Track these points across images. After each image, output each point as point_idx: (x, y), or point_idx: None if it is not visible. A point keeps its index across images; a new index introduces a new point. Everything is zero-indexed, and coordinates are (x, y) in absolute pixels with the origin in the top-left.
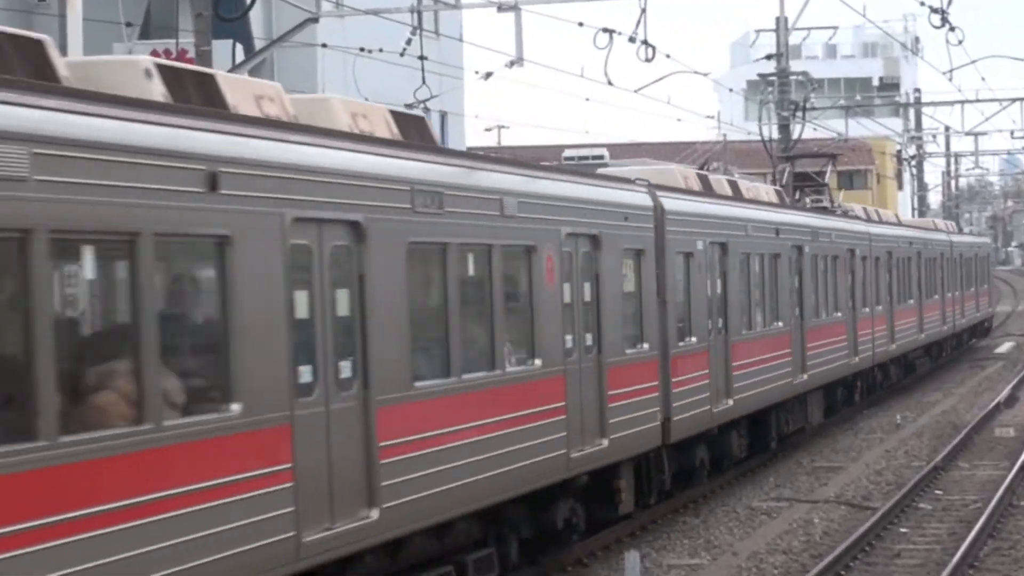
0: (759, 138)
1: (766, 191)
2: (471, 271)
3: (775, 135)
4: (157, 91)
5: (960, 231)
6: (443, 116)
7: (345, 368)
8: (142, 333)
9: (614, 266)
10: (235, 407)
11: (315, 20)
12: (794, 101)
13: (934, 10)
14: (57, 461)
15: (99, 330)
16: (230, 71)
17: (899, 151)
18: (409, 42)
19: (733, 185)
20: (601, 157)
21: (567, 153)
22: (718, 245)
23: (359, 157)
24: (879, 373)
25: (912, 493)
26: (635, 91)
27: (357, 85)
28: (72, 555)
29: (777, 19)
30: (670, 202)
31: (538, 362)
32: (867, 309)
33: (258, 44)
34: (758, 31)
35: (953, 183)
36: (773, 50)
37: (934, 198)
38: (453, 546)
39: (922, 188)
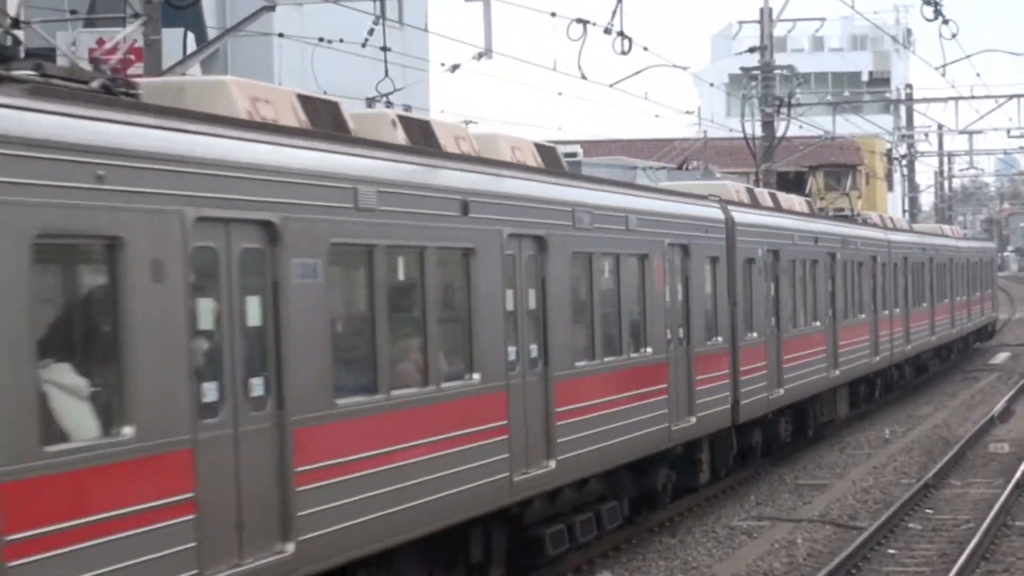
0: (741, 135)
1: (799, 202)
2: (608, 273)
3: (758, 132)
4: (401, 137)
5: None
6: (407, 110)
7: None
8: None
9: (699, 271)
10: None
11: (271, 8)
12: (778, 97)
13: (927, 2)
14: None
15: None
16: (180, 62)
17: (889, 150)
18: (371, 32)
19: (773, 198)
20: (574, 155)
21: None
22: (772, 252)
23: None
24: (895, 372)
25: (901, 512)
26: (610, 85)
27: (315, 77)
28: (388, 476)
29: (761, 10)
30: (738, 215)
31: (649, 350)
32: (886, 312)
33: (211, 33)
34: (741, 22)
35: (946, 184)
36: (756, 43)
37: (926, 199)
38: (578, 501)
39: (913, 189)
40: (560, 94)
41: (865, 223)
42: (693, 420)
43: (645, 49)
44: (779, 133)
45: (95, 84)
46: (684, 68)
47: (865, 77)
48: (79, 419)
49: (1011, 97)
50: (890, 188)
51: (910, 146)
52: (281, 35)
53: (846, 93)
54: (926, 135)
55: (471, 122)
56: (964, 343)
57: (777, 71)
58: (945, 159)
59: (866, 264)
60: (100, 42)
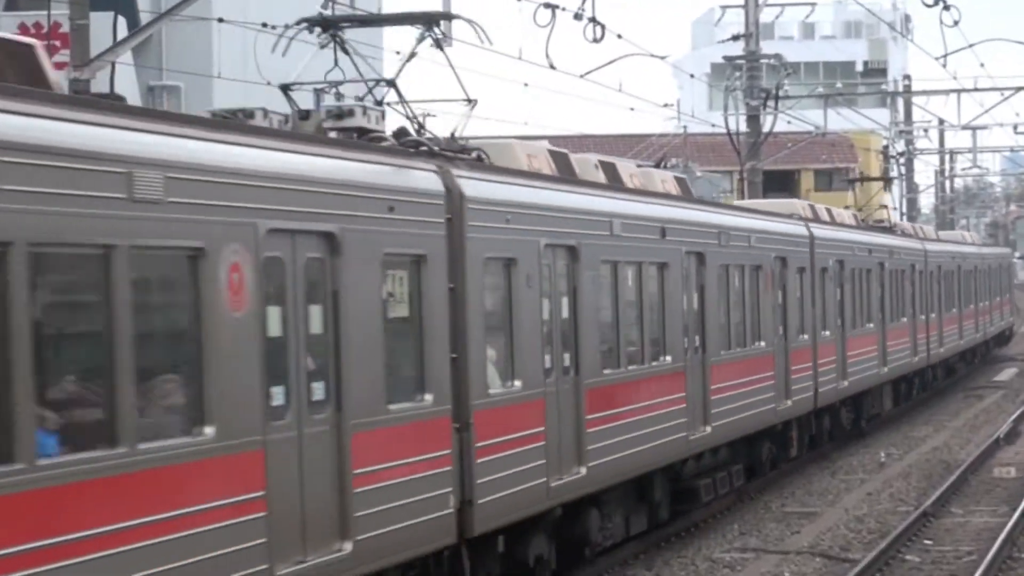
0: (724, 131)
1: (848, 216)
2: (739, 281)
3: (743, 128)
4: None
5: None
6: (360, 99)
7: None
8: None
9: (793, 278)
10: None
11: None
12: (765, 88)
13: None
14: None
15: None
16: (110, 49)
17: (886, 147)
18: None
19: (829, 212)
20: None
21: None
22: (839, 262)
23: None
24: (930, 372)
25: (897, 543)
26: (581, 76)
27: (258, 66)
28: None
29: None
30: (816, 230)
31: (762, 344)
32: (923, 316)
33: (144, 18)
34: (724, 7)
35: (947, 184)
36: (741, 29)
37: (925, 200)
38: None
39: (912, 189)
40: (526, 85)
41: (903, 233)
42: (789, 403)
43: (619, 37)
44: (765, 128)
45: (473, 155)
46: (662, 57)
47: (859, 67)
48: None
49: (1018, 90)
50: (887, 188)
51: (908, 143)
52: (221, 20)
53: (838, 85)
54: (925, 131)
55: (429, 115)
56: (986, 347)
57: (763, 60)
58: (946, 157)
59: (907, 272)
60: (23, 27)
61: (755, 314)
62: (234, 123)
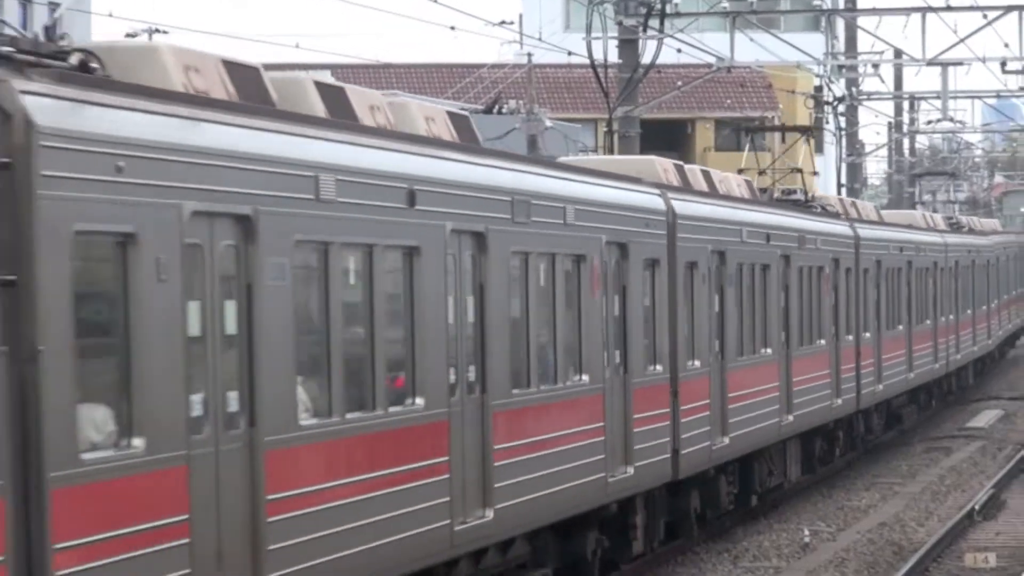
0: (586, 62)
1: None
2: (807, 282)
3: (613, 59)
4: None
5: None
6: (54, 17)
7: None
8: None
9: (840, 278)
10: None
11: None
12: (646, 2)
13: None
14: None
15: None
16: None
17: (819, 88)
18: None
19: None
20: None
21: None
22: (877, 262)
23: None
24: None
25: None
26: None
27: None
28: None
29: None
30: (863, 231)
31: (822, 342)
32: (943, 319)
33: None
34: None
35: (906, 144)
36: None
37: (874, 167)
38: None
39: (855, 151)
40: None
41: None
42: (840, 401)
43: None
44: (646, 59)
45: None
46: None
47: None
48: None
49: (1008, 10)
50: (819, 148)
51: (851, 84)
52: None
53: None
54: (876, 66)
55: (160, 30)
56: (1000, 352)
57: None
58: (905, 105)
59: (930, 269)
60: None
61: (829, 313)
62: None
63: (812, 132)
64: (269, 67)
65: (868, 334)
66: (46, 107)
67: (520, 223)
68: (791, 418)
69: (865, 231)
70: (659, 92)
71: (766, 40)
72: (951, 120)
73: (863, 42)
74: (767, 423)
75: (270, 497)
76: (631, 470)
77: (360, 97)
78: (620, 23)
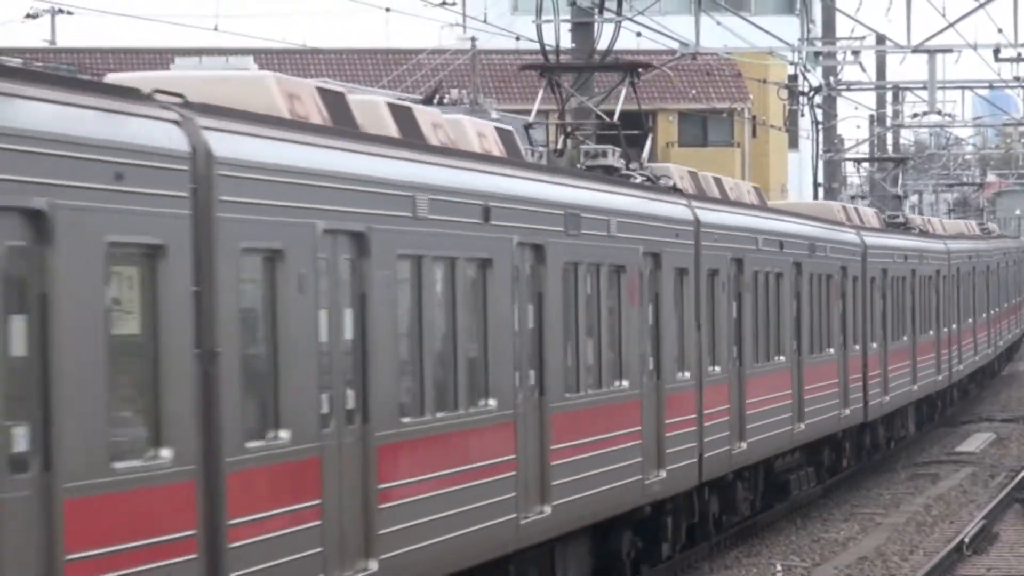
0: (536, 47)
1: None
2: (818, 290)
3: (566, 44)
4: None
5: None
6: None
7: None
8: None
9: (848, 286)
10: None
11: None
12: None
13: None
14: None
15: None
16: None
17: (793, 77)
18: None
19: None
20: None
21: (179, 62)
22: (883, 271)
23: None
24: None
25: None
26: None
27: None
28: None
29: None
30: (869, 239)
31: (831, 351)
32: (945, 329)
33: None
34: None
35: (889, 139)
36: None
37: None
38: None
39: (833, 147)
40: None
41: (923, 233)
42: (848, 412)
43: None
44: (602, 45)
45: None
46: None
47: None
48: None
49: None
50: (793, 144)
51: (829, 72)
52: None
53: None
54: (856, 53)
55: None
56: (999, 361)
57: None
58: (888, 96)
59: (933, 278)
60: None
61: (870, 318)
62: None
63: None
64: (184, 51)
65: (875, 344)
66: (222, 141)
67: (572, 235)
68: (803, 426)
69: (872, 239)
70: (616, 81)
71: (735, 24)
72: (939, 113)
73: (842, 27)
74: (781, 430)
75: (380, 487)
76: (664, 473)
77: (424, 116)
78: (573, 4)
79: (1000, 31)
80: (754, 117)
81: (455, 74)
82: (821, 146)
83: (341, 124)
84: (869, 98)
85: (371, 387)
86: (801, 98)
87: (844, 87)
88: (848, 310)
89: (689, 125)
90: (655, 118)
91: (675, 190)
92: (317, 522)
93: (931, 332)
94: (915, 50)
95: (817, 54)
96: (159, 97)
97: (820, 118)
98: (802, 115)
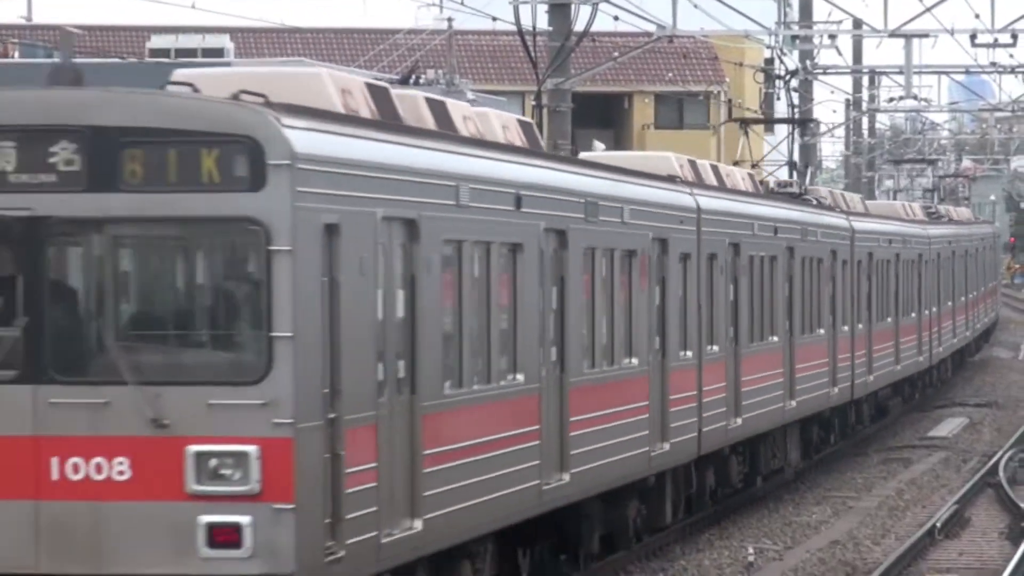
0: (513, 28)
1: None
2: (809, 273)
3: (543, 24)
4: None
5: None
6: None
7: None
8: None
9: (837, 269)
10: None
11: None
12: None
13: None
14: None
15: None
16: None
17: (769, 61)
18: None
19: (863, 202)
20: (220, 52)
21: (155, 44)
22: (869, 256)
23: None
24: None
25: None
26: None
27: None
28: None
29: None
30: (857, 223)
31: (821, 331)
32: (926, 311)
33: None
34: None
35: (865, 123)
36: None
37: (829, 148)
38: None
39: (809, 131)
40: None
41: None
42: (836, 390)
43: None
44: (579, 26)
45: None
46: None
47: None
48: None
49: None
50: (769, 128)
51: (805, 56)
52: None
53: None
54: (833, 37)
55: None
56: (976, 344)
57: None
58: (864, 80)
59: (915, 262)
60: None
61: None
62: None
63: (808, 124)
64: (161, 29)
65: (861, 325)
66: (298, 137)
67: (592, 222)
68: (794, 403)
69: (859, 224)
70: (593, 63)
71: (712, 7)
72: (915, 98)
73: (819, 10)
74: (773, 407)
75: (426, 452)
76: (667, 446)
77: (455, 109)
78: None
79: (977, 16)
80: (730, 100)
81: (432, 54)
82: (796, 131)
83: (386, 117)
84: (845, 82)
85: (419, 360)
86: (777, 81)
87: (820, 71)
88: (837, 292)
89: (665, 108)
90: (631, 100)
91: (677, 179)
92: (373, 483)
93: (913, 314)
94: (892, 34)
95: (794, 38)
96: (244, 98)
97: (796, 102)
98: (778, 99)
